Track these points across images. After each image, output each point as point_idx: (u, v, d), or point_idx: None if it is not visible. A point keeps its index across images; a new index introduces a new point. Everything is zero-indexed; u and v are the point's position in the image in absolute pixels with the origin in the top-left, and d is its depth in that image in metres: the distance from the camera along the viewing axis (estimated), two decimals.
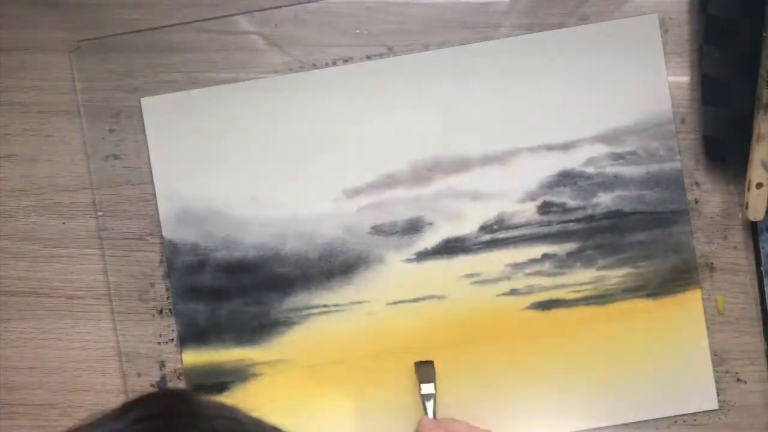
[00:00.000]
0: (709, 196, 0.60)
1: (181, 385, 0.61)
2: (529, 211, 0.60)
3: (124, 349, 0.61)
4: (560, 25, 0.60)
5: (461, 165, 0.60)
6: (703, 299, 0.60)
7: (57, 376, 0.61)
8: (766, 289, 0.59)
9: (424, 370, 0.59)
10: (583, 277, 0.60)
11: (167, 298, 0.61)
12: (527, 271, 0.60)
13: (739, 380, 0.60)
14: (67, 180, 0.61)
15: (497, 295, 0.60)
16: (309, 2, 0.60)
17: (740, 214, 0.60)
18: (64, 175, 0.61)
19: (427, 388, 0.58)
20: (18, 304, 0.61)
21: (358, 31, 0.61)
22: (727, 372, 0.60)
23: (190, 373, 0.61)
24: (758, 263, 0.59)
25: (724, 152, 0.59)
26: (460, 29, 0.60)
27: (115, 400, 0.61)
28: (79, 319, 0.61)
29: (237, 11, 0.61)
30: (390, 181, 0.60)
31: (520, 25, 0.60)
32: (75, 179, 0.61)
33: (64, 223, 0.61)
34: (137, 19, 0.61)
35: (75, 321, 0.61)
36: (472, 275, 0.60)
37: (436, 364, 0.60)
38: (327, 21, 0.61)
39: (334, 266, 0.60)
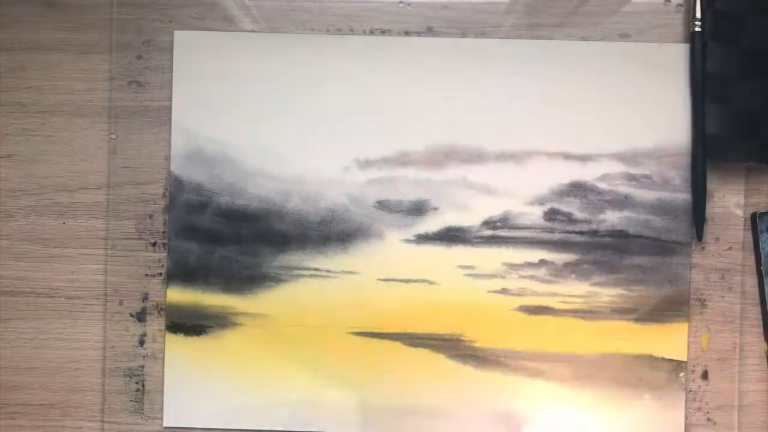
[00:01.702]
0: (714, 233, 0.60)
1: (161, 320, 0.61)
2: (534, 215, 0.60)
3: (112, 277, 0.61)
4: (560, 25, 0.60)
5: (477, 157, 0.60)
6: (689, 334, 0.60)
7: (57, 376, 0.61)
8: (766, 289, 0.59)
9: None
10: (575, 290, 0.60)
11: (163, 232, 0.61)
12: (522, 273, 0.60)
13: (709, 420, 0.60)
14: (67, 180, 0.61)
15: (488, 291, 0.60)
16: None
17: (741, 259, 0.60)
18: (64, 175, 0.61)
19: None
20: (18, 304, 0.61)
21: (401, 4, 0.60)
22: (699, 409, 0.60)
23: (172, 310, 0.61)
24: (758, 263, 0.59)
25: (726, 150, 0.59)
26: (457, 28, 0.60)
27: (116, 400, 0.61)
28: (79, 319, 0.61)
29: None
30: (404, 160, 0.60)
31: (520, 25, 0.60)
32: (75, 179, 0.61)
33: (64, 223, 0.61)
34: None
35: (75, 321, 0.61)
36: (467, 267, 0.60)
37: (411, 347, 0.60)
38: None
39: (333, 233, 0.61)
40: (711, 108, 0.59)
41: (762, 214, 0.59)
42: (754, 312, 0.60)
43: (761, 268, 0.59)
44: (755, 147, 0.59)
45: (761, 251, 0.59)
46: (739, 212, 0.60)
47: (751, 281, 0.60)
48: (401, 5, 0.60)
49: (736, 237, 0.60)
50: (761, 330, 0.60)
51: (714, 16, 0.59)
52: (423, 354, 0.60)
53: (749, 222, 0.60)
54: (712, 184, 0.60)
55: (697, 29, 0.59)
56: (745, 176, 0.60)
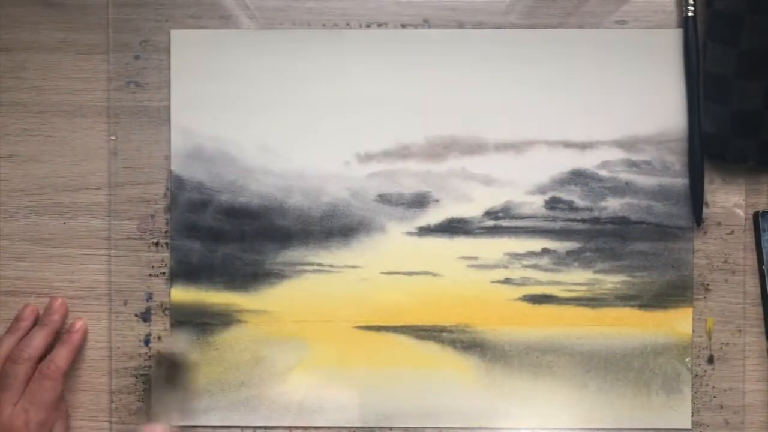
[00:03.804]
0: (716, 217, 0.60)
1: (166, 319, 0.61)
2: (536, 204, 0.60)
3: (115, 277, 0.61)
4: (560, 26, 0.60)
5: (477, 148, 0.60)
6: (694, 319, 0.60)
7: None
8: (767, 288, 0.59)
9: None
10: (578, 278, 0.60)
11: (165, 231, 0.61)
12: (525, 262, 0.60)
13: (722, 407, 0.60)
14: (67, 180, 0.61)
15: (491, 282, 0.60)
16: None
17: (743, 239, 0.60)
18: (64, 175, 0.61)
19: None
20: (18, 304, 0.61)
21: None
22: (705, 393, 0.60)
23: (176, 309, 0.61)
24: (760, 262, 0.59)
25: (724, 149, 0.59)
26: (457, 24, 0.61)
27: (117, 400, 0.61)
28: (80, 319, 0.61)
29: None
30: (404, 153, 0.60)
31: (521, 25, 0.60)
32: (75, 179, 0.61)
33: (64, 223, 0.61)
34: None
35: None
36: (469, 258, 0.60)
37: (417, 339, 0.60)
38: None
39: (335, 227, 0.61)
40: (710, 108, 0.59)
41: (764, 213, 0.59)
42: (755, 312, 0.60)
43: (763, 267, 0.59)
44: (754, 147, 0.59)
45: (763, 250, 0.59)
46: (740, 212, 0.60)
47: (752, 281, 0.60)
48: None
49: (736, 237, 0.60)
50: (763, 329, 0.60)
51: (713, 17, 0.59)
52: (428, 346, 0.60)
53: (750, 221, 0.60)
54: (712, 184, 0.60)
55: (690, 14, 0.59)
56: (745, 176, 0.60)
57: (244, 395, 0.60)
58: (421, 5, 0.60)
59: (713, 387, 0.60)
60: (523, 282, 0.60)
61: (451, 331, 0.60)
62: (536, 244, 0.60)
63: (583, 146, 0.60)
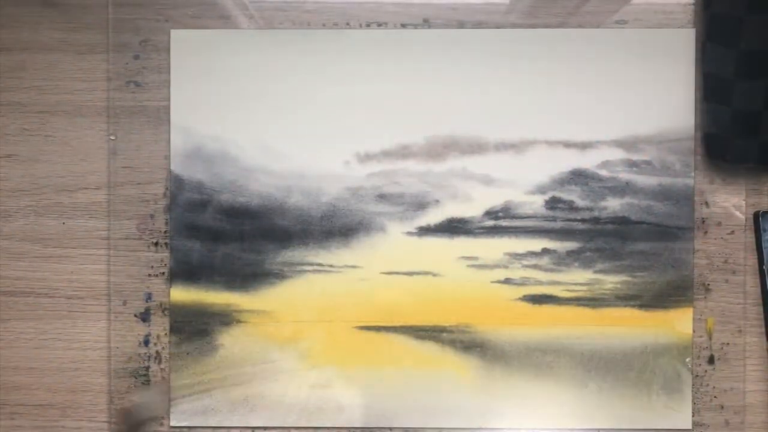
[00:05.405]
0: (717, 217, 0.60)
1: (165, 320, 0.60)
2: (536, 204, 0.60)
3: (114, 277, 0.61)
4: (561, 25, 0.60)
5: (477, 147, 0.60)
6: (694, 319, 0.60)
7: (57, 376, 0.61)
8: None
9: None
10: (579, 278, 0.60)
11: (165, 231, 0.61)
12: (525, 262, 0.60)
13: (722, 407, 0.60)
14: (66, 180, 0.61)
15: (491, 282, 0.60)
16: None
17: (744, 239, 0.60)
18: (63, 175, 0.61)
19: None
20: (18, 304, 0.61)
21: None
22: (706, 393, 0.60)
23: (176, 309, 0.60)
24: (760, 262, 0.59)
25: (724, 150, 0.59)
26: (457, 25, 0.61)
27: (116, 400, 0.61)
28: (79, 319, 0.61)
29: None
30: (404, 153, 0.60)
31: (521, 25, 0.60)
32: (75, 179, 0.61)
33: (63, 223, 0.61)
34: None
35: (74, 321, 0.61)
36: (469, 258, 0.60)
37: (417, 340, 0.60)
38: None
39: (335, 227, 0.60)
40: (710, 108, 0.59)
41: (764, 213, 0.59)
42: (755, 312, 0.60)
43: (764, 267, 0.59)
44: (754, 147, 0.59)
45: (763, 250, 0.59)
46: (739, 212, 0.60)
47: (753, 281, 0.60)
48: None
49: (736, 237, 0.60)
50: (763, 330, 0.60)
51: (712, 18, 0.59)
52: (428, 346, 0.60)
53: (750, 221, 0.60)
54: (712, 184, 0.60)
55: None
56: (745, 176, 0.60)
57: (244, 395, 0.60)
58: (421, 5, 0.60)
59: (714, 387, 0.60)
60: (524, 282, 0.60)
61: (451, 331, 0.60)
62: (536, 244, 0.60)
63: (583, 146, 0.60)
